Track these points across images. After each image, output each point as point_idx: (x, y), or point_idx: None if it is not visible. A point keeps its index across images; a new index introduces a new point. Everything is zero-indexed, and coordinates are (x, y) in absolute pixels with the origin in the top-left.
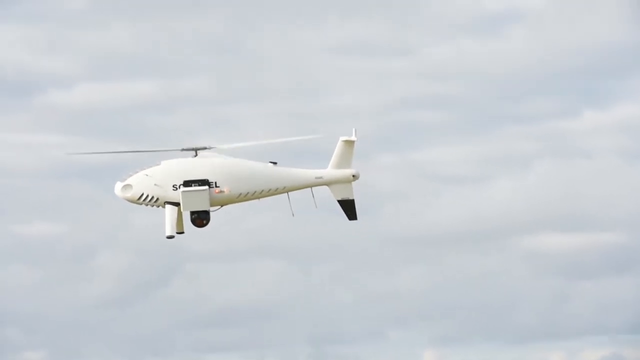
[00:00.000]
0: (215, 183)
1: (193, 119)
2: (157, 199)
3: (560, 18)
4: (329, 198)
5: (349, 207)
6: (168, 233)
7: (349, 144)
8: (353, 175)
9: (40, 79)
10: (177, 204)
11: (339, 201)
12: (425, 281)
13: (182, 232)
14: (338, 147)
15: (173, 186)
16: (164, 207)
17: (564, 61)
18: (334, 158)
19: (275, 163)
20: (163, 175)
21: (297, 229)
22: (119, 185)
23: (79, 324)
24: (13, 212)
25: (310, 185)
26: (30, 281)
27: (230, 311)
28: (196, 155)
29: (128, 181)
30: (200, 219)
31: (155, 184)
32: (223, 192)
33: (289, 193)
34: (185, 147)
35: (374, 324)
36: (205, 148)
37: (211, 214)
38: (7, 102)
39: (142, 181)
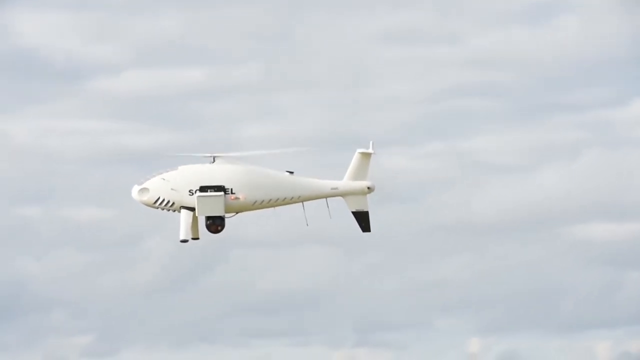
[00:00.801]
0: (232, 189)
1: (239, 107)
2: (173, 203)
3: (611, 7)
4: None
5: (363, 219)
6: (182, 237)
7: (366, 156)
8: (368, 187)
9: (90, 65)
10: (192, 209)
11: (353, 212)
12: (472, 269)
13: (197, 238)
14: (355, 159)
15: (189, 191)
16: (179, 211)
17: (613, 50)
18: (350, 170)
19: (292, 172)
20: (180, 180)
21: (343, 217)
22: (135, 189)
23: (127, 310)
24: (63, 197)
25: (326, 196)
26: (80, 266)
27: (277, 298)
28: (213, 161)
29: (145, 185)
30: (215, 224)
31: (171, 189)
32: (239, 199)
33: (304, 203)
34: (202, 154)
35: (419, 312)
36: (221, 155)
37: (226, 220)
38: (56, 89)
39: (159, 185)
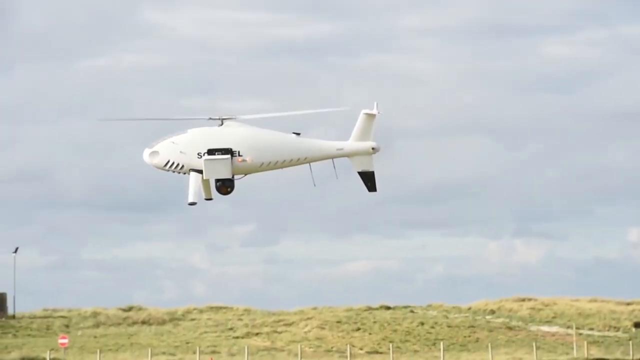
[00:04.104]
0: (239, 152)
1: None
2: (183, 166)
3: None
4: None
5: (369, 179)
6: (190, 199)
7: (370, 117)
8: (373, 148)
9: None
10: (201, 172)
11: (359, 173)
12: (635, 157)
13: (211, 199)
14: (360, 119)
15: (198, 154)
16: (189, 174)
17: None
18: (355, 130)
19: (298, 134)
20: (189, 143)
21: (504, 106)
22: (146, 152)
23: (288, 200)
24: (222, 89)
25: (332, 157)
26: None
27: (436, 188)
28: (222, 124)
29: (155, 148)
30: (225, 186)
31: (180, 152)
32: (246, 161)
33: (311, 164)
34: (211, 117)
35: (580, 201)
36: (230, 118)
37: (235, 182)
38: None
39: (169, 148)
